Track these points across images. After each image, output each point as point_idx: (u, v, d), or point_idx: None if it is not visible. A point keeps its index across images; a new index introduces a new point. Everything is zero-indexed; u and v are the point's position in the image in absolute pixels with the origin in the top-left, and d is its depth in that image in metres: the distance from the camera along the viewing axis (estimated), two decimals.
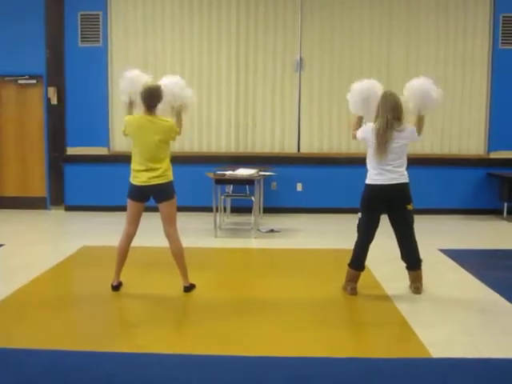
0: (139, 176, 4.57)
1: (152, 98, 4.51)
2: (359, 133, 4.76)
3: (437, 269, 5.46)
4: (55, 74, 8.53)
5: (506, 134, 8.51)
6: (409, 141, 4.63)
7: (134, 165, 4.62)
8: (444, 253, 6.14)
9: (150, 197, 4.64)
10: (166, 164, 4.60)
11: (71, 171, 8.73)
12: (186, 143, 8.66)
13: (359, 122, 4.88)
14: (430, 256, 5.54)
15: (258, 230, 7.28)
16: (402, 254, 4.79)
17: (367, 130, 4.63)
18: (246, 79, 8.64)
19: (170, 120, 4.65)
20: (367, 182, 4.65)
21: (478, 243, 6.82)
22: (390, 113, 4.49)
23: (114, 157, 8.53)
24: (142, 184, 4.56)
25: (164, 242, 4.80)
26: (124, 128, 4.67)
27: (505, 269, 5.61)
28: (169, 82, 4.79)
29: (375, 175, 4.58)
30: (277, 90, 8.64)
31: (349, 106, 4.94)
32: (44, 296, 4.72)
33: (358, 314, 4.56)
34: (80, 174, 8.68)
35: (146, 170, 4.54)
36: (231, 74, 8.62)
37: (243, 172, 7.14)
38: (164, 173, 4.57)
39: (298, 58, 8.55)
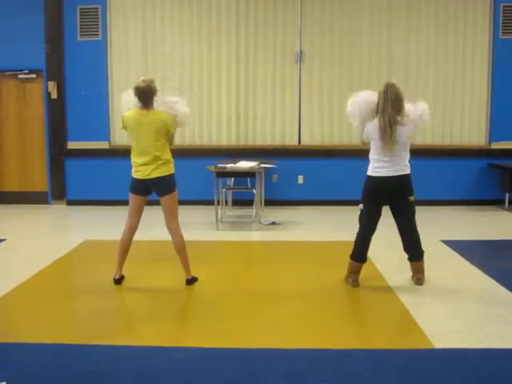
0: (140, 170, 4.57)
1: (147, 95, 4.51)
2: (364, 135, 4.70)
3: (439, 260, 5.47)
4: (55, 68, 8.51)
5: (507, 125, 8.48)
6: (411, 129, 4.56)
7: (134, 158, 4.62)
8: (446, 244, 6.14)
9: (152, 190, 4.65)
10: (166, 156, 4.60)
11: (72, 165, 8.73)
12: (187, 136, 8.65)
13: (363, 128, 4.81)
14: (432, 247, 5.54)
15: (260, 222, 7.28)
16: (404, 245, 4.78)
17: (370, 128, 4.58)
18: (246, 71, 8.61)
19: (165, 112, 4.62)
20: (369, 173, 4.64)
21: (479, 234, 6.82)
22: (391, 108, 4.43)
23: (114, 151, 8.52)
24: (144, 178, 4.56)
25: (166, 236, 4.81)
26: (122, 124, 4.68)
27: (507, 259, 5.61)
28: (172, 103, 4.73)
29: (378, 167, 4.57)
30: (277, 82, 8.62)
31: (350, 119, 4.81)
32: (46, 290, 4.74)
33: (360, 305, 4.56)
34: (81, 168, 8.68)
35: (146, 164, 4.54)
36: (231, 67, 8.59)
37: (244, 165, 7.13)
38: (165, 165, 4.57)
39: (298, 49, 8.52)
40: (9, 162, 8.89)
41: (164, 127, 4.55)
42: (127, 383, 3.09)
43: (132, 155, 4.64)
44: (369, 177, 4.64)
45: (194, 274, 4.80)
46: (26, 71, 8.60)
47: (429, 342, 3.59)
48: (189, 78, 8.62)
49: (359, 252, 4.74)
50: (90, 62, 8.52)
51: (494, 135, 8.57)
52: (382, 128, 4.45)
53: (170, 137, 4.64)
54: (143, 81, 4.55)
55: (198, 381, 3.12)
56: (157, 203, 4.71)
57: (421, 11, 8.40)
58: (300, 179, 8.67)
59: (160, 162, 4.55)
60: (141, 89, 4.51)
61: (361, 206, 4.71)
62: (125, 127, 4.66)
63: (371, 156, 4.64)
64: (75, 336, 3.73)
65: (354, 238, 4.79)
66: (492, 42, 8.42)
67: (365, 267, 4.79)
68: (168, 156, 4.62)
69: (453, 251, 5.86)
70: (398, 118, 4.46)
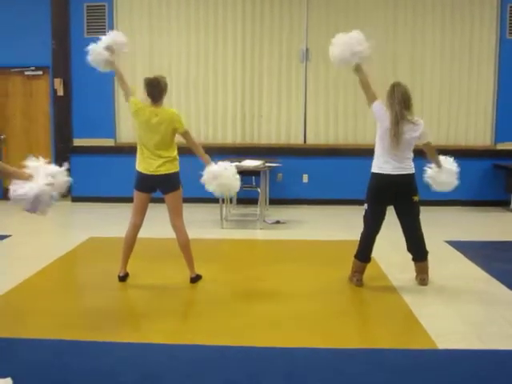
0: (144, 162, 4.58)
1: (154, 89, 4.52)
2: (376, 106, 4.58)
3: (443, 260, 5.46)
4: (61, 65, 8.54)
5: None
6: (420, 132, 4.57)
7: (140, 153, 4.63)
8: (450, 244, 6.13)
9: (157, 188, 4.66)
10: (172, 154, 4.60)
11: (78, 162, 8.70)
12: (192, 135, 8.64)
13: (361, 71, 4.76)
14: (436, 247, 5.53)
15: (264, 221, 7.28)
16: (408, 245, 4.79)
17: (382, 110, 4.54)
18: (251, 70, 8.61)
19: (174, 110, 4.69)
20: (373, 170, 4.62)
21: (484, 235, 6.81)
22: (399, 104, 4.43)
23: (120, 148, 8.55)
24: (149, 173, 4.56)
25: (170, 233, 4.82)
26: (131, 109, 4.63)
27: (511, 260, 5.60)
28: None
29: (382, 163, 4.55)
30: (283, 81, 8.62)
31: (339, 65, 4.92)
32: (50, 287, 4.76)
33: (363, 305, 4.57)
34: (86, 165, 8.68)
35: (151, 158, 4.55)
36: (237, 65, 8.60)
37: (249, 163, 7.14)
38: (170, 163, 4.58)
39: (304, 48, 8.52)
40: (14, 159, 8.90)
41: (171, 125, 4.54)
42: (128, 380, 3.10)
43: (138, 149, 4.65)
44: (373, 174, 4.62)
45: (198, 271, 4.82)
46: (33, 68, 8.64)
47: (432, 342, 3.59)
48: (194, 76, 8.62)
49: (363, 252, 4.74)
50: None
51: (499, 136, 8.55)
52: (391, 122, 4.44)
53: (182, 134, 4.61)
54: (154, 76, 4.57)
55: (199, 379, 3.12)
56: (161, 201, 4.72)
57: (427, 11, 8.38)
58: (305, 178, 8.67)
59: (165, 159, 4.56)
60: (148, 80, 4.52)
61: (365, 205, 4.71)
62: (132, 112, 4.62)
63: (376, 152, 4.62)
64: (78, 333, 3.74)
65: (358, 238, 4.79)
66: (499, 42, 8.39)
67: (369, 267, 4.79)
68: (174, 154, 4.62)
69: (457, 252, 5.85)
70: (407, 114, 4.45)
